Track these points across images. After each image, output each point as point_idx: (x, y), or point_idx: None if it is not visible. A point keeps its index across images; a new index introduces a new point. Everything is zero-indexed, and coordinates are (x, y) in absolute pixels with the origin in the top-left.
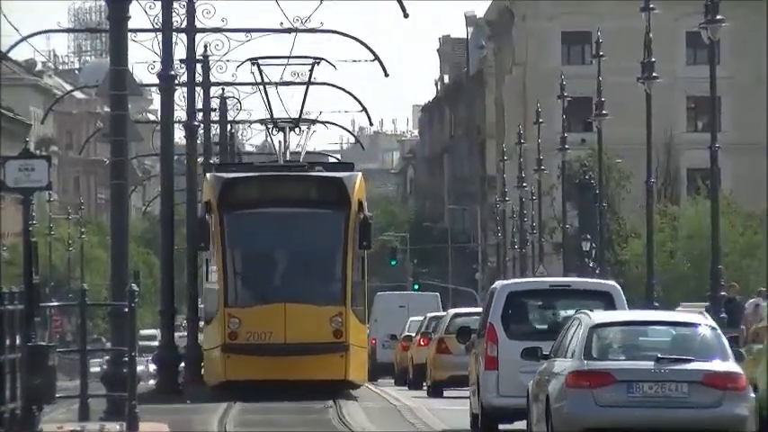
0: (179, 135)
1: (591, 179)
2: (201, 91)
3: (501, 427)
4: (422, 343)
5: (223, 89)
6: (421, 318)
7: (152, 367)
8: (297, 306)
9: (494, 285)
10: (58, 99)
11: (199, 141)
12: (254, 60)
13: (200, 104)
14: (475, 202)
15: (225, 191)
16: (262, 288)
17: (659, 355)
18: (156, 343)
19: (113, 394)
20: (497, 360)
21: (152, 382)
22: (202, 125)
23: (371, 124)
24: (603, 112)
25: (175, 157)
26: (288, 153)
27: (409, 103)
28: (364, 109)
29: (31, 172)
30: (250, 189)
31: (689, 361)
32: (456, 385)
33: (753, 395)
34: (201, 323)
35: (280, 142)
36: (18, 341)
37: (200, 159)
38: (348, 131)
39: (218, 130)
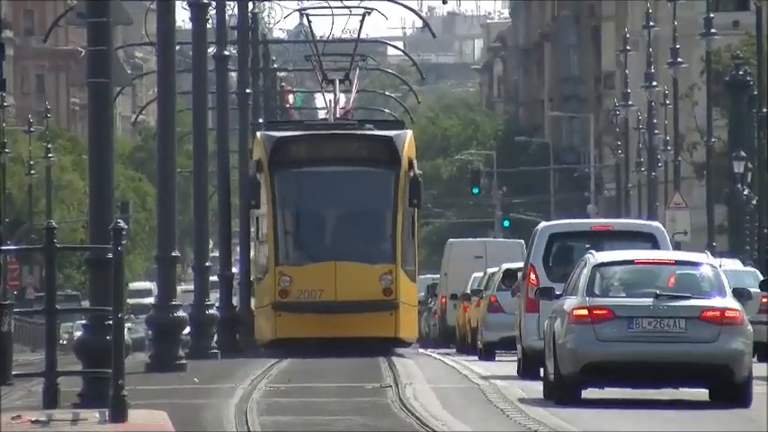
0: (182, 16)
1: (746, 76)
2: None
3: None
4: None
5: None
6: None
7: (132, 334)
8: (347, 264)
9: (537, 227)
10: None
11: (210, 25)
12: (302, 11)
13: None
14: (586, 109)
15: (276, 150)
16: (312, 246)
17: (658, 292)
18: (150, 300)
19: (92, 371)
20: (538, 302)
21: (135, 354)
22: (214, 2)
23: (445, 2)
24: None
25: (177, 47)
26: (338, 109)
27: None
28: None
29: None
30: (301, 148)
31: (687, 298)
32: (510, 347)
33: (750, 329)
34: (213, 276)
35: (330, 101)
36: None
37: (211, 49)
38: (414, 12)
39: (235, 9)
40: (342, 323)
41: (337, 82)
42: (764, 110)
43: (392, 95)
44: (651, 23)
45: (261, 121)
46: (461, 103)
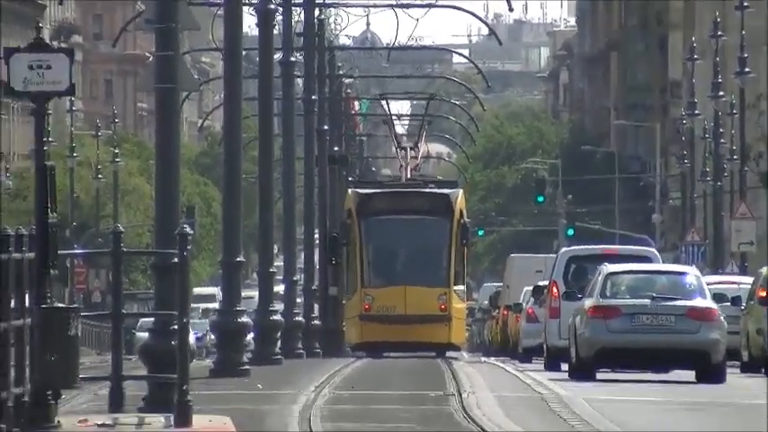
0: (249, 22)
1: None
2: None
3: (563, 366)
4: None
5: None
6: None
7: (200, 338)
8: (414, 288)
9: (558, 251)
10: None
11: (276, 31)
12: (382, 96)
13: None
14: (652, 118)
15: (362, 203)
16: (388, 274)
17: (654, 295)
18: (215, 305)
19: (157, 375)
20: (559, 310)
21: (203, 361)
22: (281, 9)
23: (511, 10)
24: None
25: (244, 53)
26: (409, 170)
27: None
28: None
29: (46, 71)
30: (380, 202)
31: (676, 299)
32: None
33: (725, 323)
34: (277, 287)
35: (401, 166)
36: (27, 302)
37: (277, 56)
38: (480, 20)
39: (301, 15)
40: (409, 331)
41: (408, 150)
42: None
43: (457, 103)
44: (719, 32)
45: (350, 179)
46: (527, 111)
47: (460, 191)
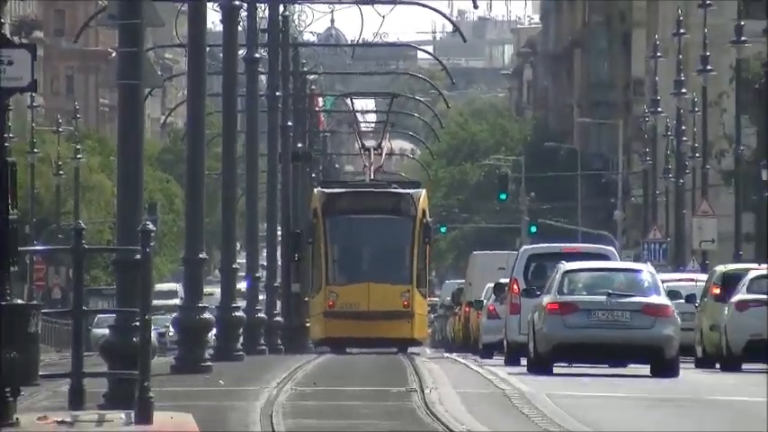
0: (213, 18)
1: None
2: None
3: (523, 361)
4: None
5: None
6: None
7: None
8: (377, 285)
9: (520, 249)
10: None
11: (240, 28)
12: (346, 94)
13: None
14: (615, 115)
15: (327, 202)
16: (353, 272)
17: (610, 291)
18: (177, 301)
19: (118, 372)
20: (519, 306)
21: (164, 357)
22: (245, 5)
23: (476, 7)
24: None
25: (208, 49)
26: (372, 171)
27: None
28: None
29: (7, 66)
30: (345, 201)
31: (631, 295)
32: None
33: (678, 320)
34: (239, 284)
35: (365, 166)
36: None
37: (241, 52)
38: (444, 16)
39: (266, 12)
40: (372, 327)
41: (372, 150)
42: None
43: (422, 100)
44: (681, 30)
45: (313, 175)
46: (491, 108)
47: (423, 191)
